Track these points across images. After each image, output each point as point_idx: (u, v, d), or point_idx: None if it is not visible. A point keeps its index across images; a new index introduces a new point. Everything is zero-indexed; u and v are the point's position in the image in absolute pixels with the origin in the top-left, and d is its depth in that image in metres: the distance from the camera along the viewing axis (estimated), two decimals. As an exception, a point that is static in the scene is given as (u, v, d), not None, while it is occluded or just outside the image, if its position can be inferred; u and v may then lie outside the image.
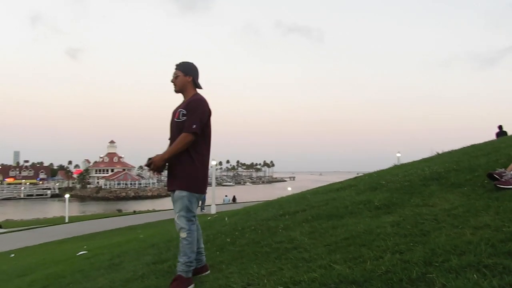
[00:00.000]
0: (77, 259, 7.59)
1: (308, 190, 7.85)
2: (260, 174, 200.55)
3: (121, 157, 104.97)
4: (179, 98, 3.47)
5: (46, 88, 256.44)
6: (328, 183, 9.70)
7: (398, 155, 31.61)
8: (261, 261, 3.40)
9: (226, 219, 6.79)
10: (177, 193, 3.13)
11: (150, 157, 3.16)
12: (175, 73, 3.31)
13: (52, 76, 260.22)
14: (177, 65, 3.32)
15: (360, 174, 10.00)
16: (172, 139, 3.22)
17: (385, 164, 9.38)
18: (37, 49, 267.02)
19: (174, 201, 3.17)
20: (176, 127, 3.19)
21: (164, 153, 3.14)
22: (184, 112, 3.15)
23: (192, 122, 3.11)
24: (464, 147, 7.82)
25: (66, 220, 33.82)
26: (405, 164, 7.86)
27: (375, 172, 7.98)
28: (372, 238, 3.21)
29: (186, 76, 3.28)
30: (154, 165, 3.10)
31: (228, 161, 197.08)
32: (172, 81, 3.32)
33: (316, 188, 8.15)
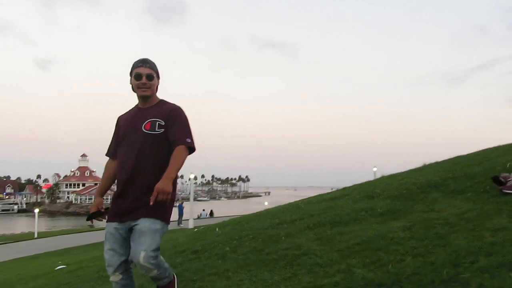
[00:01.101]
0: (58, 273, 7.22)
1: (301, 200, 7.78)
2: (235, 189, 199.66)
3: (93, 171, 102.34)
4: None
5: (14, 99, 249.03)
6: (303, 197, 9.65)
7: (375, 169, 32.12)
8: (271, 268, 3.30)
9: (217, 229, 6.63)
10: (148, 223, 2.32)
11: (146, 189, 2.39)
12: (147, 73, 2.51)
13: (21, 87, 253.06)
14: (144, 62, 2.53)
15: (334, 189, 10.05)
16: (134, 156, 2.44)
17: (360, 178, 9.45)
18: (4, 59, 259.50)
19: (138, 234, 2.30)
20: (147, 141, 2.44)
21: (168, 172, 2.29)
22: (162, 123, 2.46)
23: (185, 135, 2.45)
24: (450, 158, 7.96)
25: (35, 236, 32.49)
26: (394, 174, 7.93)
27: (365, 183, 8.01)
28: (386, 242, 3.16)
29: (158, 78, 2.59)
30: (166, 192, 2.23)
31: (203, 176, 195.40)
32: (144, 83, 2.50)
33: (308, 198, 8.10)
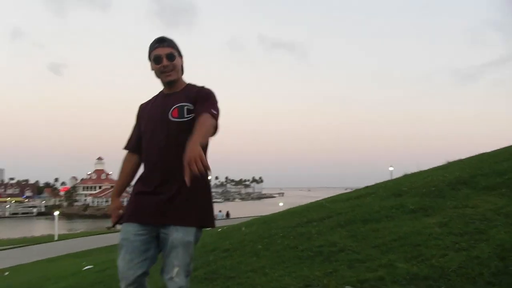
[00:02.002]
0: (87, 273, 7.36)
1: (325, 199, 7.80)
2: (249, 190, 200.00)
3: (109, 174, 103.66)
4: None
5: (29, 104, 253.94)
6: (318, 198, 9.64)
7: (391, 169, 31.90)
8: (309, 264, 3.34)
9: (243, 228, 6.69)
10: (180, 234, 1.91)
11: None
12: (167, 53, 2.08)
13: (36, 92, 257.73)
14: (161, 41, 2.12)
15: (348, 190, 10.03)
16: (161, 148, 2.04)
17: (375, 179, 9.43)
18: (19, 65, 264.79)
19: (169, 247, 1.91)
20: (176, 130, 2.03)
21: (193, 135, 1.78)
22: (191, 107, 2.05)
23: (211, 107, 2.03)
24: (474, 155, 7.89)
25: (56, 238, 33.05)
26: (418, 172, 7.89)
27: (388, 181, 8.00)
28: (424, 238, 3.17)
29: (181, 57, 2.17)
30: (197, 157, 1.65)
31: (216, 177, 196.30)
32: (165, 65, 2.08)
33: (332, 197, 8.12)
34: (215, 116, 2.00)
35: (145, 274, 1.95)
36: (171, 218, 1.92)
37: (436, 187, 5.16)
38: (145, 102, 2.25)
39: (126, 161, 2.24)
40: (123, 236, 1.96)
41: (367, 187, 8.15)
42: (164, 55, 2.06)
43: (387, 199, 5.34)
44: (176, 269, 1.88)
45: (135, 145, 2.21)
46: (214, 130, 1.99)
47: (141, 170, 2.18)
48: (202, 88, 2.15)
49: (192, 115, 2.02)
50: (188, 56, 2.16)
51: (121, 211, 2.10)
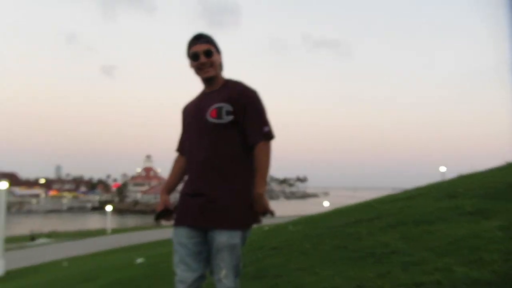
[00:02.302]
0: (139, 266, 7.67)
1: (373, 199, 7.64)
2: (293, 189, 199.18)
3: (157, 171, 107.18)
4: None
5: (85, 104, 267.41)
6: (363, 198, 9.40)
7: (443, 169, 30.54)
8: (360, 265, 3.29)
9: (290, 227, 6.70)
10: (225, 238, 1.88)
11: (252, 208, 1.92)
12: (205, 49, 2.03)
13: (89, 93, 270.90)
14: (198, 38, 2.07)
15: (396, 191, 9.69)
16: (202, 150, 2.00)
17: (424, 179, 9.04)
18: (73, 68, 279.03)
19: (215, 250, 1.90)
20: (214, 132, 1.99)
21: (258, 184, 1.90)
22: (230, 108, 1.98)
23: (261, 123, 2.00)
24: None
25: (108, 232, 34.67)
26: (474, 173, 7.52)
27: (441, 182, 7.69)
28: (483, 242, 3.03)
29: (219, 53, 2.10)
30: (263, 210, 1.90)
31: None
32: (203, 62, 2.02)
33: (380, 197, 7.93)
34: (269, 134, 1.99)
35: (202, 276, 1.96)
36: (214, 221, 1.89)
37: (495, 189, 4.90)
38: (188, 103, 2.21)
39: (175, 161, 2.24)
40: (177, 240, 1.98)
41: (417, 187, 7.88)
42: (202, 52, 2.01)
43: (441, 201, 5.14)
44: (223, 271, 1.87)
45: (182, 147, 2.21)
46: (270, 149, 1.99)
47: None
48: (244, 90, 2.05)
49: (232, 117, 1.97)
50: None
51: (168, 206, 2.09)
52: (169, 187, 2.20)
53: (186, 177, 2.10)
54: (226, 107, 1.98)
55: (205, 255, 1.94)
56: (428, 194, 6.08)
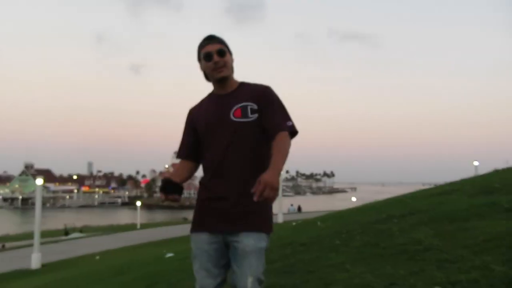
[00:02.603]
0: (169, 260, 7.81)
1: (404, 194, 7.48)
2: (320, 184, 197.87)
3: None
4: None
5: (114, 102, 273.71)
6: (392, 194, 9.21)
7: (476, 163, 29.53)
8: (392, 262, 3.23)
9: (319, 223, 6.65)
10: (252, 241, 1.82)
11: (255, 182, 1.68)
12: (217, 49, 1.98)
13: (118, 91, 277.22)
14: (210, 38, 2.02)
15: (426, 186, 9.41)
16: (225, 151, 1.91)
17: (456, 174, 8.74)
18: (103, 66, 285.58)
19: (241, 255, 1.81)
20: (240, 131, 1.92)
21: (275, 162, 1.76)
22: (255, 106, 1.94)
23: (284, 117, 1.96)
24: None
25: (138, 227, 35.44)
26: (509, 169, 7.25)
27: (476, 177, 7.45)
28: (524, 240, 2.91)
29: (231, 54, 2.04)
30: (274, 187, 1.66)
31: (287, 171, 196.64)
32: (216, 61, 1.96)
33: (411, 192, 7.76)
34: (293, 129, 1.95)
35: (223, 282, 1.91)
36: (240, 224, 1.82)
37: (534, 184, 4.70)
38: (196, 106, 2.12)
39: (180, 167, 2.07)
40: (196, 246, 1.91)
41: (450, 183, 7.66)
42: (215, 51, 1.96)
43: (476, 197, 4.98)
44: (250, 279, 1.76)
45: (189, 152, 2.07)
46: (291, 142, 1.92)
47: (199, 173, 2.10)
48: (266, 88, 2.02)
49: (257, 115, 1.92)
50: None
51: (174, 179, 1.91)
52: (178, 174, 2.02)
53: (202, 181, 1.99)
54: (251, 105, 1.93)
55: (226, 261, 1.87)
56: (462, 189, 5.90)
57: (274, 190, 1.65)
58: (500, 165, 7.69)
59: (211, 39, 2.00)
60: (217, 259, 1.87)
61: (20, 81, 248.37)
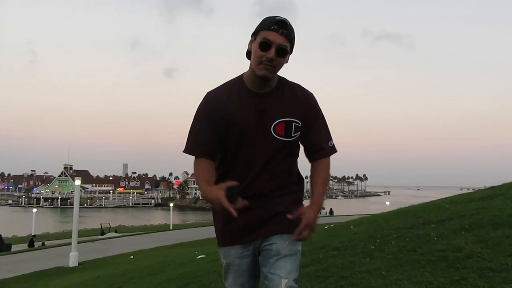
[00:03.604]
0: (201, 262, 7.86)
1: (442, 199, 7.21)
2: (352, 188, 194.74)
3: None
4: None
5: (148, 106, 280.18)
6: (428, 198, 8.89)
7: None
8: (430, 269, 3.09)
9: (351, 227, 6.50)
10: (287, 243, 1.67)
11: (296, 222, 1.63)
12: (282, 45, 1.60)
13: (153, 95, 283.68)
14: (281, 25, 1.60)
15: (464, 190, 9.01)
16: (264, 166, 1.72)
17: (498, 178, 8.31)
18: (138, 71, 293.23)
19: (275, 258, 1.65)
20: (281, 150, 1.73)
21: (318, 199, 1.70)
22: (299, 124, 1.72)
23: (327, 137, 1.80)
24: None
25: (171, 227, 36.04)
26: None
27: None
28: None
29: (290, 53, 1.69)
30: (314, 226, 1.65)
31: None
32: (271, 58, 1.60)
33: (449, 197, 7.47)
34: (334, 151, 1.82)
35: None
36: (275, 228, 1.69)
37: None
38: (219, 93, 1.74)
39: (203, 169, 1.72)
40: (228, 260, 1.77)
41: (492, 187, 7.31)
42: (276, 46, 1.59)
43: (522, 202, 4.71)
44: (283, 283, 1.59)
45: (213, 150, 1.73)
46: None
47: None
48: (312, 100, 1.78)
49: (299, 133, 1.73)
50: (292, 53, 1.71)
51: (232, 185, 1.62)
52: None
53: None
54: (296, 122, 1.71)
55: (258, 272, 1.74)
56: (506, 194, 5.61)
57: (313, 231, 1.63)
58: None
59: (281, 27, 1.60)
60: (251, 272, 1.77)
61: (60, 87, 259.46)
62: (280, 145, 1.71)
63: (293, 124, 1.70)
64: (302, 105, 1.73)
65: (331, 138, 1.82)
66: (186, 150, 1.76)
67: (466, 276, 2.71)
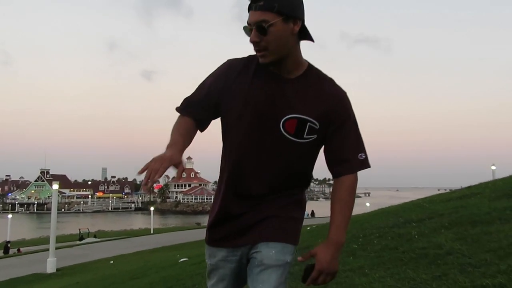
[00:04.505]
0: (183, 265, 7.79)
1: (423, 199, 7.36)
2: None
3: (197, 173, 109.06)
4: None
5: (127, 109, 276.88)
6: (407, 199, 9.09)
7: (493, 168, 28.96)
8: (413, 266, 3.15)
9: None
10: (275, 252, 1.40)
11: (309, 265, 1.40)
12: (257, 21, 1.30)
13: (131, 97, 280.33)
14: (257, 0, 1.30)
15: (442, 190, 9.29)
16: (267, 165, 1.43)
17: (472, 179, 8.57)
18: (115, 72, 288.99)
19: (259, 268, 1.40)
20: (289, 150, 1.42)
21: (339, 236, 1.39)
22: (316, 125, 1.39)
23: (358, 148, 1.44)
24: None
25: (152, 231, 35.59)
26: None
27: (496, 181, 7.29)
28: (552, 243, 2.81)
29: (289, 21, 1.31)
30: (332, 274, 1.38)
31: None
32: (255, 42, 1.33)
33: (429, 197, 7.63)
34: (365, 165, 1.45)
35: None
36: (265, 234, 1.42)
37: (558, 188, 4.57)
38: (238, 63, 1.47)
39: (181, 124, 1.49)
40: (212, 261, 1.55)
41: (469, 187, 7.51)
42: (253, 25, 1.31)
43: (498, 200, 4.86)
44: None
45: (201, 113, 1.49)
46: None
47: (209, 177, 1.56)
48: (343, 100, 1.45)
49: (315, 136, 1.40)
50: None
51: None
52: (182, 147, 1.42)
53: (225, 187, 1.50)
54: (312, 123, 1.38)
55: (244, 277, 1.52)
56: (482, 193, 5.78)
57: (332, 275, 1.34)
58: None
59: (254, 1, 1.31)
60: (235, 278, 1.53)
61: (35, 90, 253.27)
62: (286, 145, 1.40)
63: (308, 123, 1.38)
64: (327, 103, 1.40)
65: (364, 149, 1.44)
66: (177, 108, 1.53)
67: (447, 272, 2.78)
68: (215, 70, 1.50)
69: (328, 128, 1.40)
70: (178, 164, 1.31)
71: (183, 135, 1.44)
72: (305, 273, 1.38)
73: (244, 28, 1.35)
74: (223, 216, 1.50)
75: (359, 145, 1.43)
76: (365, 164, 1.43)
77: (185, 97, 1.52)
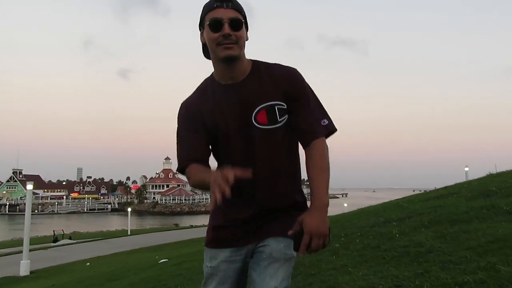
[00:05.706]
0: (163, 266, 7.70)
1: (402, 199, 7.50)
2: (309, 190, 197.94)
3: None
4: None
5: (103, 107, 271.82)
6: (384, 199, 9.29)
7: (466, 169, 29.77)
8: (395, 264, 3.21)
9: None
10: (281, 246, 1.43)
11: (296, 230, 1.38)
12: (232, 17, 1.42)
13: (107, 96, 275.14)
14: (227, 0, 1.44)
15: (417, 191, 9.54)
16: (251, 162, 1.44)
17: (446, 180, 8.85)
18: (90, 71, 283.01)
19: (266, 261, 1.42)
20: (267, 141, 1.46)
21: (320, 197, 1.40)
22: (283, 105, 1.46)
23: (319, 114, 1.50)
24: None
25: (129, 233, 35.05)
26: (504, 172, 7.32)
27: (471, 181, 7.50)
28: (527, 241, 2.91)
29: (247, 28, 1.50)
30: (323, 234, 1.39)
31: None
32: (226, 34, 1.40)
33: (408, 197, 7.79)
34: (331, 128, 1.50)
35: None
36: (271, 230, 1.46)
37: (531, 187, 4.74)
38: (194, 98, 1.55)
39: (197, 168, 1.48)
40: (213, 264, 1.52)
41: (446, 187, 7.70)
42: (227, 20, 1.40)
43: (475, 200, 5.01)
44: None
45: (203, 153, 1.53)
46: (329, 159, 1.47)
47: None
48: (294, 75, 1.50)
49: (285, 116, 1.46)
50: (248, 56, 1.53)
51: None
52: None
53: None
54: (279, 105, 1.45)
55: (245, 281, 1.54)
56: (459, 193, 5.93)
57: (324, 237, 1.37)
58: (489, 170, 7.77)
59: (224, 1, 1.43)
60: (236, 279, 1.51)
61: (7, 88, 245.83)
62: (267, 136, 1.44)
63: (276, 107, 1.45)
64: (284, 83, 1.46)
65: (327, 115, 1.51)
66: (178, 169, 1.56)
67: (429, 269, 2.84)
68: (178, 121, 1.57)
69: (292, 105, 1.47)
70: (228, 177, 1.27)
71: (205, 170, 1.46)
72: (295, 240, 1.37)
73: (211, 21, 1.42)
74: (228, 221, 1.51)
75: (320, 112, 1.51)
76: (329, 128, 1.50)
77: (177, 160, 1.56)
